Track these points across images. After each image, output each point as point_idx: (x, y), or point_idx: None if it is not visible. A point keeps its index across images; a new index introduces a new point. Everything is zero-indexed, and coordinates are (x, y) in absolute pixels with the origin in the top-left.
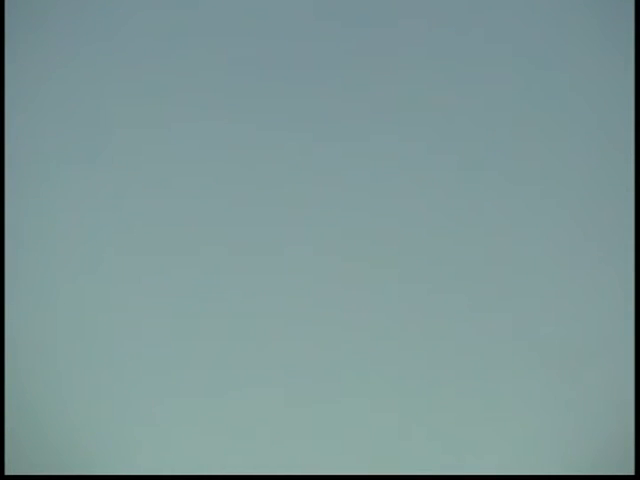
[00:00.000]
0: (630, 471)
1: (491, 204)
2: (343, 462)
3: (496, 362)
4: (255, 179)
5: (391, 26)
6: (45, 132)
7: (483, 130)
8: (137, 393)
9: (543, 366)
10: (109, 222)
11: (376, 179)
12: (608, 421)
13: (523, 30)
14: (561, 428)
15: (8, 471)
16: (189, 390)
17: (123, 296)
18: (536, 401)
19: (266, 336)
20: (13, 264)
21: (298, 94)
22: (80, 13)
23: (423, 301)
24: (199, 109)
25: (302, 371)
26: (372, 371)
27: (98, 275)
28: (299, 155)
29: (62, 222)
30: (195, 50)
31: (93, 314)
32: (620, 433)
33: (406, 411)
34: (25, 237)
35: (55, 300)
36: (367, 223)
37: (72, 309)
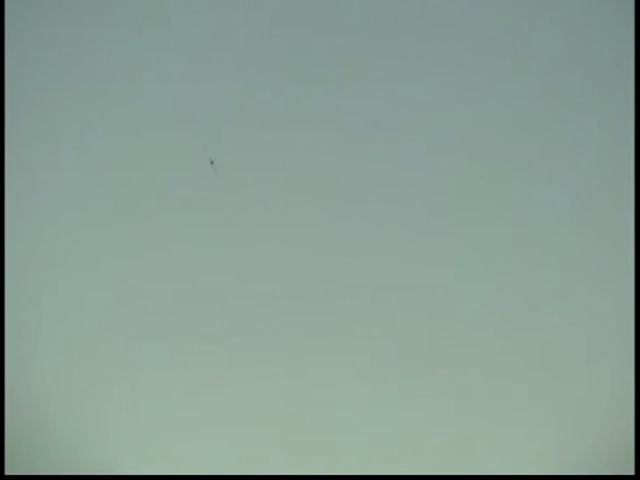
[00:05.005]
0: (630, 471)
1: (491, 206)
2: (343, 462)
3: (497, 363)
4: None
5: (392, 27)
6: (50, 133)
7: (486, 131)
8: (137, 395)
9: (543, 366)
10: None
11: (379, 181)
12: (608, 421)
13: (523, 33)
14: (561, 428)
15: (8, 471)
16: (188, 390)
17: (117, 294)
18: (537, 402)
19: (264, 330)
20: (13, 266)
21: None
22: (79, 15)
23: (423, 303)
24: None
25: (302, 370)
26: (373, 372)
27: (93, 275)
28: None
29: (62, 223)
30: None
31: (92, 316)
32: (620, 433)
33: (407, 412)
34: (24, 243)
35: (54, 303)
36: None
37: (71, 312)
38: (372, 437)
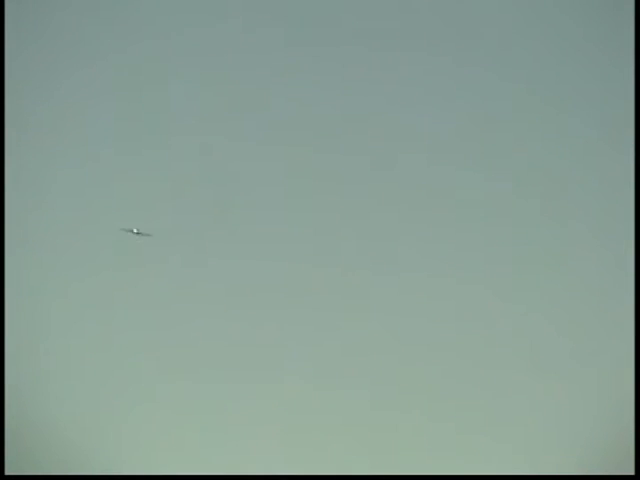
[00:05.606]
0: (630, 471)
1: (491, 209)
2: (344, 462)
3: (497, 364)
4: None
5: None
6: (58, 137)
7: (488, 134)
8: (137, 394)
9: (544, 368)
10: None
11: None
12: (608, 421)
13: (524, 37)
14: (562, 429)
15: (8, 471)
16: (189, 391)
17: (122, 296)
18: (537, 402)
19: (269, 339)
20: (13, 267)
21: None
22: (80, 18)
23: (423, 307)
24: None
25: (304, 374)
26: (375, 375)
27: (95, 278)
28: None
29: (62, 224)
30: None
31: (93, 316)
32: (620, 433)
33: (408, 413)
34: (25, 248)
35: (57, 305)
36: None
37: (72, 313)
38: (372, 439)
